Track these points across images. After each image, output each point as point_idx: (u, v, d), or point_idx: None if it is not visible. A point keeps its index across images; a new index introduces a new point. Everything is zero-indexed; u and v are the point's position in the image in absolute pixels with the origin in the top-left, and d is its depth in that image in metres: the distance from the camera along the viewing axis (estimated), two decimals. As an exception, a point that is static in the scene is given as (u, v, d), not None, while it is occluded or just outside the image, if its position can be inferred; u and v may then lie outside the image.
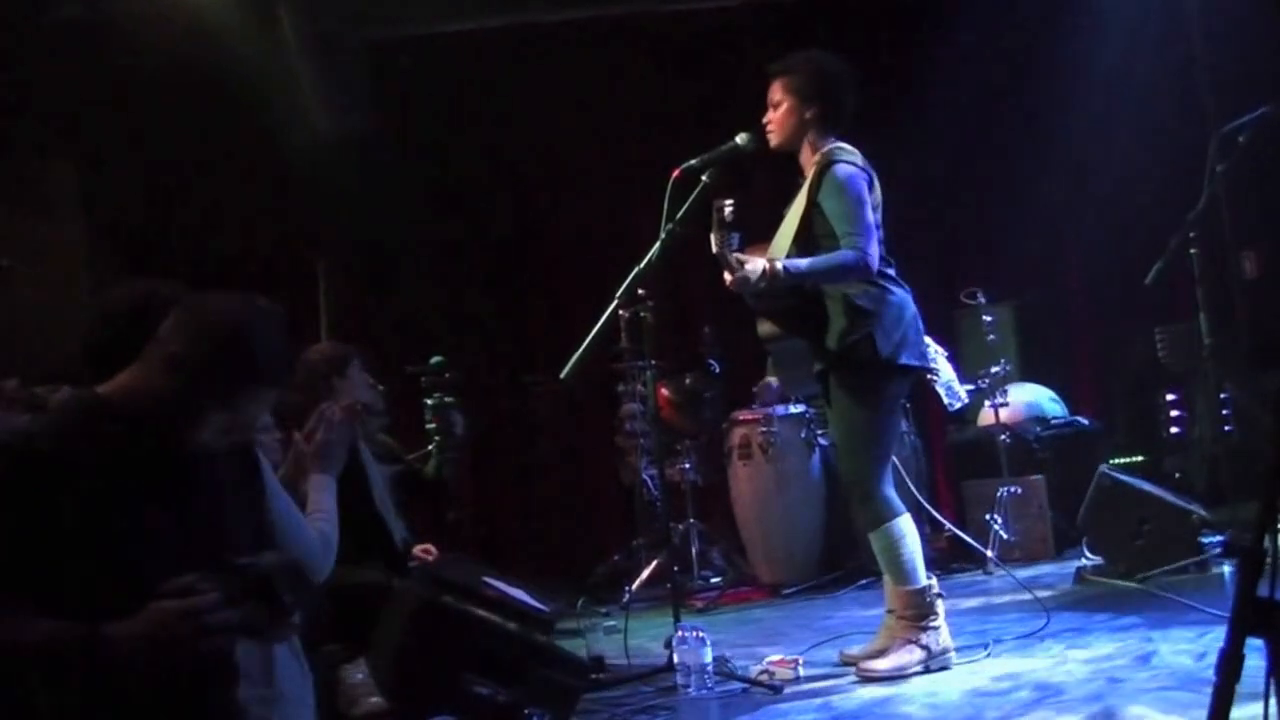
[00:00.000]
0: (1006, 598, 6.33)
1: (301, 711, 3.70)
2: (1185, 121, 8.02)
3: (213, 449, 2.87)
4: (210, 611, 2.63)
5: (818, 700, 4.53)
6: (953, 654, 4.83)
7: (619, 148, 9.55)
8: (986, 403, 7.58)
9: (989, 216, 8.87)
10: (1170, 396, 8.71)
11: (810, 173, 4.93)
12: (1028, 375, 8.40)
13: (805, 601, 7.25)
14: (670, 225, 5.02)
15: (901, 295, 4.87)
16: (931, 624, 4.80)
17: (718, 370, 7.88)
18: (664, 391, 8.12)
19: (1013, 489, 7.41)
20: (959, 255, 9.14)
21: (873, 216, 4.80)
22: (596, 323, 5.00)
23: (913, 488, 5.97)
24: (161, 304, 3.28)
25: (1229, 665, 2.10)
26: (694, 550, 7.89)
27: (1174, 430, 8.71)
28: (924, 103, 8.42)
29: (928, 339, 5.14)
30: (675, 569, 7.49)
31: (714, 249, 4.72)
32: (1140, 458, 8.40)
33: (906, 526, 4.84)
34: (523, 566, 7.75)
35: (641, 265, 5.05)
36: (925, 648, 4.76)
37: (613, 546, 8.46)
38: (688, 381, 8.01)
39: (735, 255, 4.72)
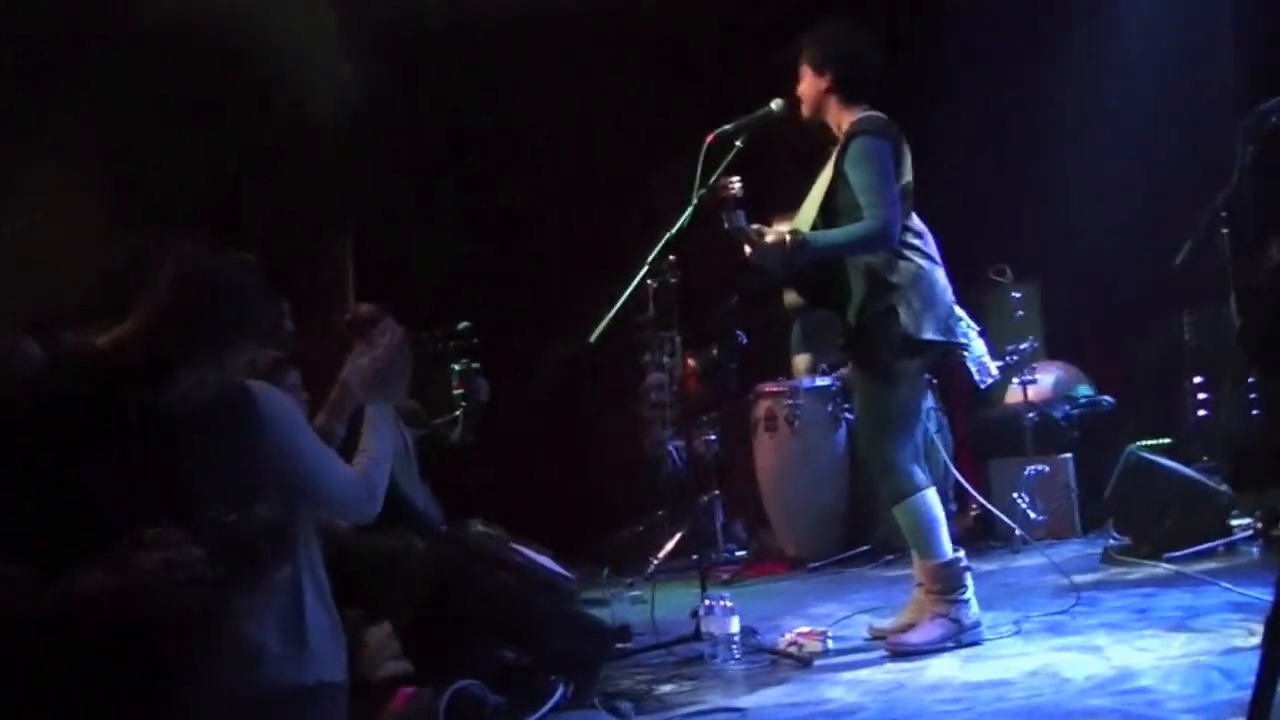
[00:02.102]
0: (1034, 577, 6.27)
1: (332, 668, 3.68)
2: (1213, 101, 7.94)
3: (200, 401, 2.85)
4: (182, 564, 2.61)
5: (847, 674, 4.48)
6: (983, 628, 4.78)
7: (641, 113, 9.48)
8: (1014, 380, 7.51)
9: (1014, 195, 8.78)
10: (1197, 380, 8.64)
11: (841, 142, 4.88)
12: (1052, 354, 8.34)
13: (830, 575, 7.21)
14: (703, 190, 4.97)
15: (929, 268, 4.80)
16: (961, 597, 4.74)
17: (744, 341, 7.81)
18: (689, 362, 8.07)
19: (1039, 468, 7.34)
20: (984, 232, 9.05)
21: (897, 188, 4.74)
22: (618, 289, 4.96)
23: (949, 463, 5.89)
24: (158, 259, 3.25)
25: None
26: (718, 523, 7.83)
27: (1200, 414, 8.64)
28: (951, 80, 8.34)
29: (960, 312, 5.06)
30: (701, 540, 7.54)
31: (726, 226, 4.68)
32: (1165, 440, 8.32)
33: (930, 500, 4.78)
34: (541, 536, 7.69)
35: (673, 231, 5.00)
36: (955, 621, 4.71)
37: (632, 518, 8.42)
38: (714, 353, 7.94)
39: (755, 227, 4.67)
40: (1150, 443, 7.96)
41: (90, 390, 2.75)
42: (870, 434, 4.83)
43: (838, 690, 4.25)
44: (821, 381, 7.64)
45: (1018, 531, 7.03)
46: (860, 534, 7.60)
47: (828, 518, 7.66)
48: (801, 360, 7.96)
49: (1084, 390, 8.04)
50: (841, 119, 4.87)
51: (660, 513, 8.10)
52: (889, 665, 4.57)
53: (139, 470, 2.74)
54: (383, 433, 3.84)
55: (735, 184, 4.67)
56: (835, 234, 4.71)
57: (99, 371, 2.77)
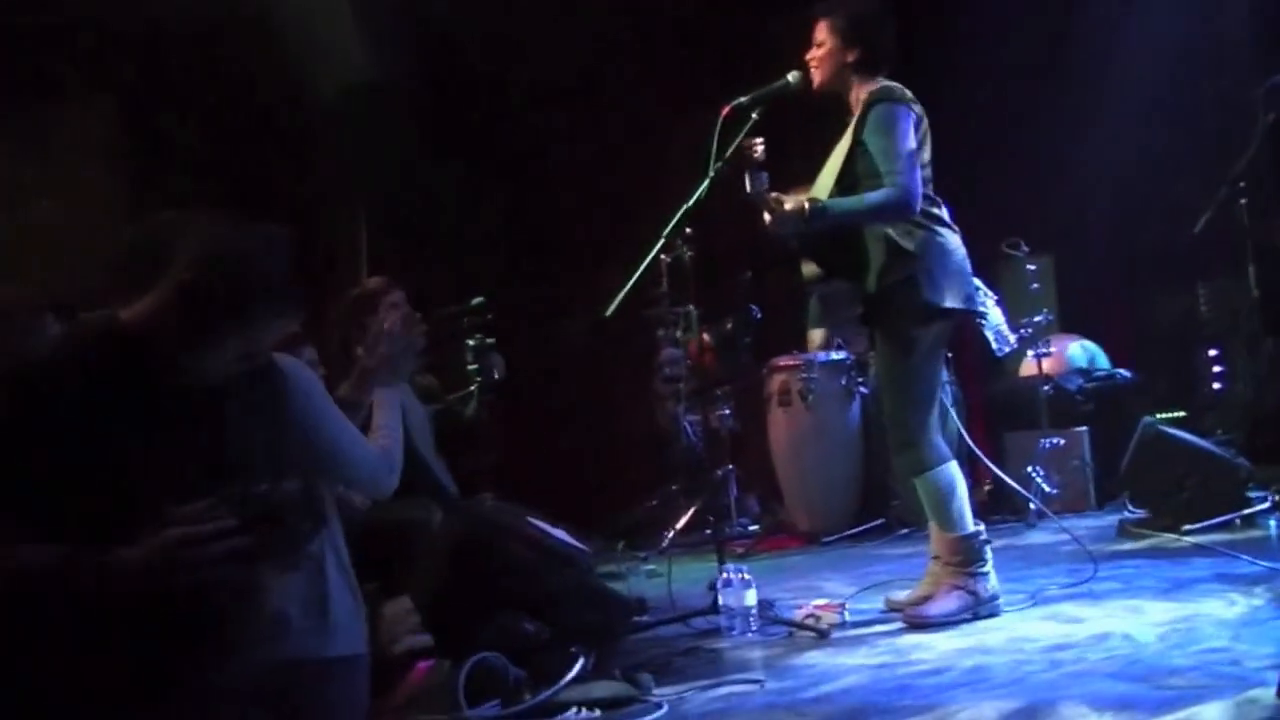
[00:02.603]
0: (1049, 549, 6.26)
1: (355, 640, 3.68)
2: (1229, 70, 7.90)
3: (227, 375, 2.85)
4: (216, 538, 2.60)
5: (864, 645, 4.48)
6: (1001, 601, 4.77)
7: (650, 91, 9.46)
8: (1029, 353, 7.48)
9: (1027, 167, 8.75)
10: (1211, 352, 8.62)
11: (857, 112, 4.85)
12: (1065, 327, 8.32)
13: (844, 549, 7.21)
14: (719, 163, 4.95)
15: (948, 237, 4.79)
16: (980, 570, 4.73)
17: (758, 316, 7.80)
18: (704, 337, 8.07)
19: (1054, 441, 7.32)
20: (997, 205, 9.01)
21: (918, 156, 4.72)
22: (628, 264, 4.95)
23: (964, 435, 5.87)
24: (182, 234, 3.23)
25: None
26: (732, 497, 7.82)
27: (1215, 386, 8.62)
28: (963, 52, 8.30)
29: (977, 282, 5.04)
30: (718, 513, 7.53)
31: (747, 190, 4.67)
32: (1180, 413, 8.30)
33: (953, 472, 4.77)
34: (555, 511, 7.69)
35: (689, 203, 4.99)
36: (974, 594, 4.70)
37: (646, 493, 8.42)
38: (728, 327, 7.94)
39: (773, 195, 4.66)
40: (1165, 415, 7.96)
41: (120, 365, 2.73)
42: (892, 405, 4.81)
43: (856, 661, 4.24)
44: (836, 355, 7.63)
45: (1033, 505, 7.02)
46: (874, 508, 7.61)
47: (841, 492, 7.66)
48: (817, 335, 7.95)
49: (1100, 363, 8.01)
50: (860, 90, 4.84)
51: (674, 487, 8.09)
52: (906, 636, 4.56)
53: (171, 444, 2.72)
54: (394, 409, 3.85)
55: (759, 146, 4.65)
56: (855, 201, 4.68)
57: (128, 345, 2.76)
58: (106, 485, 2.63)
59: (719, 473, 7.71)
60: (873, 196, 4.65)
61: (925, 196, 4.74)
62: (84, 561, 2.57)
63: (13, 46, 7.72)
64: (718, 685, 4.01)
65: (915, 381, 4.74)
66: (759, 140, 4.68)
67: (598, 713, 3.75)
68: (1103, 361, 8.09)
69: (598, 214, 9.47)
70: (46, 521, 2.59)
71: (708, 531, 7.62)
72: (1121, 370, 8.04)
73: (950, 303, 4.70)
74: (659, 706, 3.76)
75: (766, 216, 4.66)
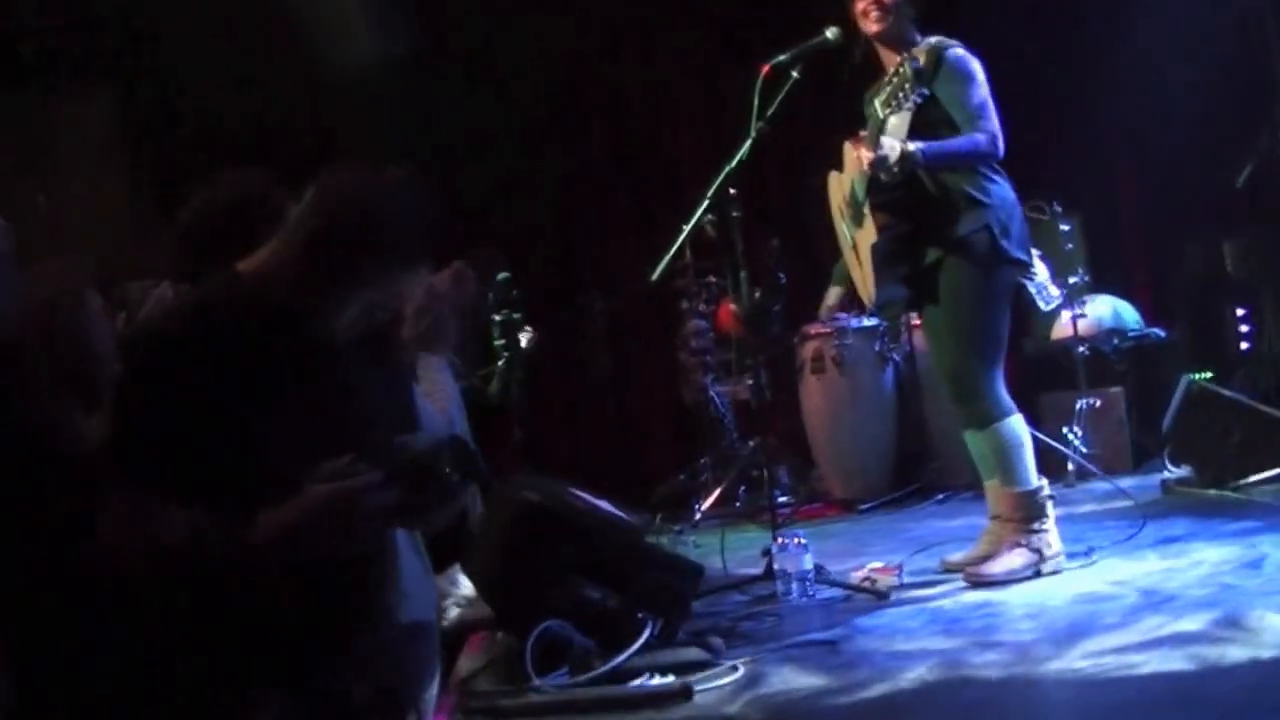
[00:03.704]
0: (1089, 507, 6.20)
1: (425, 609, 3.62)
2: (1260, 24, 7.82)
3: (354, 330, 2.75)
4: (369, 493, 2.49)
5: (930, 604, 4.41)
6: (1063, 558, 4.71)
7: (664, 66, 9.40)
8: (1065, 313, 7.40)
9: (1054, 128, 8.66)
10: (1240, 311, 8.54)
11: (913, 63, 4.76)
12: (1096, 287, 8.24)
13: (883, 516, 7.14)
14: (760, 123, 4.90)
15: (1007, 187, 4.75)
16: (1042, 527, 4.67)
17: (784, 282, 7.72)
18: (730, 306, 7.99)
19: (1091, 401, 7.25)
20: (1024, 166, 8.94)
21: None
22: (649, 236, 4.91)
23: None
24: (259, 196, 3.15)
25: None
26: (764, 467, 7.73)
27: (1244, 345, 8.54)
28: (986, 11, 8.21)
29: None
30: (758, 482, 7.48)
31: (879, 113, 4.67)
32: (1209, 373, 8.22)
33: (1019, 426, 4.71)
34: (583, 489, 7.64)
35: (731, 164, 4.95)
36: (1036, 551, 4.64)
37: (673, 467, 8.36)
38: (756, 295, 7.84)
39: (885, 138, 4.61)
40: (1196, 375, 7.88)
41: (250, 323, 2.62)
42: (958, 357, 4.73)
43: (922, 621, 4.18)
44: (868, 321, 7.55)
45: (1070, 466, 6.95)
46: (910, 474, 7.54)
47: (877, 458, 7.60)
48: (833, 292, 7.84)
49: (1132, 321, 7.93)
50: (909, 43, 4.77)
51: (704, 460, 8.02)
52: (969, 595, 4.50)
53: (304, 402, 2.63)
54: (449, 374, 3.79)
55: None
56: (947, 144, 4.63)
57: (257, 303, 2.65)
58: (242, 447, 2.53)
59: (751, 443, 7.64)
60: (965, 140, 4.63)
61: None
62: (224, 527, 2.48)
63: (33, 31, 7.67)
64: (790, 647, 3.95)
65: (984, 332, 4.68)
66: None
67: (671, 677, 3.69)
68: (1134, 320, 8.00)
69: (626, 184, 9.39)
70: (184, 488, 2.50)
71: (737, 504, 7.61)
72: (1155, 329, 7.96)
73: (1018, 252, 4.68)
74: (734, 669, 3.70)
75: (866, 154, 4.58)
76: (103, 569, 2.59)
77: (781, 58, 4.92)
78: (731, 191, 5.03)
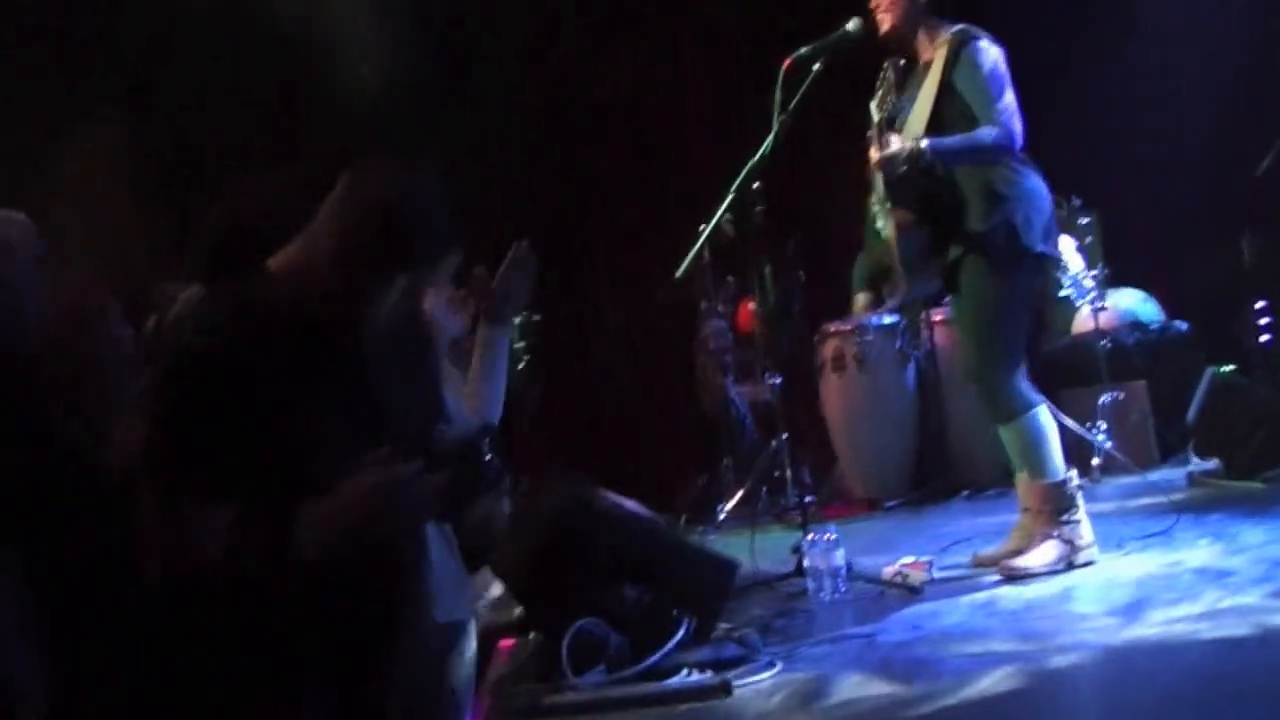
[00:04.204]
0: (1121, 502, 6.15)
1: (459, 606, 3.59)
2: (1276, 21, 7.77)
3: (385, 326, 2.73)
4: (412, 482, 2.47)
5: (964, 598, 4.38)
6: (1095, 549, 4.67)
7: (677, 64, 9.38)
8: (1085, 308, 7.36)
9: (1069, 119, 8.62)
10: (1259, 304, 8.49)
11: (938, 53, 4.73)
12: (1115, 281, 8.19)
13: (907, 514, 7.10)
14: (783, 117, 4.87)
15: (1037, 180, 4.70)
16: (1073, 518, 4.64)
17: (803, 280, 7.70)
18: (749, 306, 7.98)
19: (1114, 395, 7.20)
20: (1042, 158, 8.91)
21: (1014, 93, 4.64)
22: (665, 236, 4.89)
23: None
24: (283, 201, 3.13)
25: None
26: (786, 468, 7.70)
27: (1263, 339, 8.49)
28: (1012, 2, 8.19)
29: (1056, 227, 4.96)
30: (774, 483, 7.45)
31: (874, 116, 4.61)
32: (1230, 367, 8.17)
33: (1043, 417, 4.68)
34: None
35: (755, 159, 4.92)
36: (1068, 542, 4.60)
37: (694, 469, 8.33)
38: (775, 294, 7.81)
39: (888, 134, 4.58)
40: (1220, 370, 7.83)
41: (290, 321, 2.61)
42: (980, 351, 4.70)
43: (958, 615, 4.16)
44: (888, 319, 7.52)
45: (1095, 461, 6.90)
46: (932, 471, 7.50)
47: (899, 457, 7.56)
48: (862, 298, 7.85)
49: (1151, 315, 7.90)
50: (933, 34, 4.74)
51: (725, 462, 7.99)
52: (1004, 588, 4.46)
53: (341, 396, 2.61)
54: (499, 354, 3.77)
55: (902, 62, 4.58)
56: (960, 139, 4.59)
57: (289, 302, 2.63)
58: (282, 443, 2.51)
59: (773, 443, 7.60)
60: (978, 136, 4.58)
61: None
62: (265, 526, 2.46)
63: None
64: (827, 641, 3.92)
65: (1005, 328, 4.65)
66: (902, 60, 4.62)
67: (709, 673, 3.65)
68: (1154, 314, 7.97)
69: (641, 184, 9.37)
70: (225, 487, 2.48)
71: (759, 505, 7.56)
72: (1178, 323, 7.91)
73: (1042, 247, 4.63)
74: (772, 665, 3.66)
75: (874, 153, 4.56)
76: (142, 572, 2.58)
77: (803, 51, 4.89)
78: (755, 186, 5.00)
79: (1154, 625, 3.56)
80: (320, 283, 2.63)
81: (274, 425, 2.51)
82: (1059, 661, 3.36)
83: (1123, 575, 4.36)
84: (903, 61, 4.57)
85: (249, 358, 2.52)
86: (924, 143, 4.50)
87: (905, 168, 4.48)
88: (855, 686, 3.39)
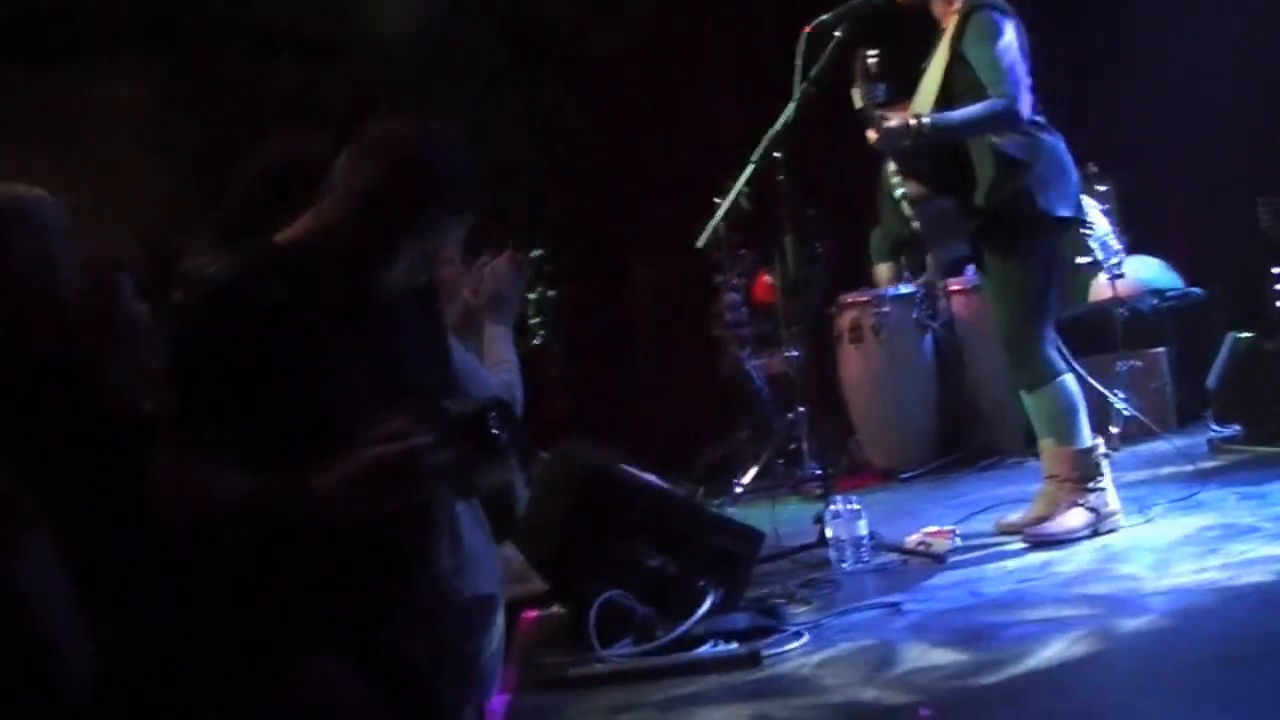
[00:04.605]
0: (1143, 470, 6.12)
1: (488, 577, 3.60)
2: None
3: (398, 289, 2.71)
4: (421, 453, 2.46)
5: (990, 565, 4.37)
6: (1120, 515, 4.65)
7: (699, 33, 9.32)
8: (1103, 275, 7.31)
9: (1087, 85, 8.57)
10: (1276, 270, 8.44)
11: (950, 22, 4.70)
12: (1134, 248, 8.15)
13: (926, 484, 7.07)
14: (804, 84, 4.84)
15: (1055, 143, 4.67)
16: (1098, 485, 4.62)
17: (821, 252, 7.66)
18: (766, 278, 7.94)
19: (1133, 363, 7.17)
20: (1060, 125, 8.86)
21: (1023, 63, 4.58)
22: (684, 206, 4.87)
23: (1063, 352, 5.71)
24: (313, 158, 3.10)
25: None
26: (804, 439, 7.68)
27: (1280, 305, 8.45)
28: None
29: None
30: (791, 455, 7.44)
31: (857, 103, 4.55)
32: (1249, 335, 8.13)
33: (1071, 385, 4.66)
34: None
35: (777, 126, 4.89)
36: (1093, 509, 4.59)
37: (709, 442, 8.30)
38: (792, 265, 7.76)
39: (879, 112, 4.54)
40: (1238, 334, 7.79)
41: (305, 284, 2.59)
42: (1007, 319, 4.68)
43: (985, 582, 4.15)
44: (905, 289, 7.48)
45: (1114, 429, 6.86)
46: (951, 442, 7.46)
47: (918, 427, 7.51)
48: (884, 269, 7.80)
49: (1169, 282, 7.85)
50: (950, 1, 4.70)
51: (742, 434, 7.97)
52: (1030, 555, 4.45)
53: (351, 364, 2.60)
54: (509, 343, 3.77)
55: (872, 57, 4.51)
56: (961, 114, 4.56)
57: (310, 264, 2.61)
58: (295, 407, 2.50)
59: (791, 415, 7.58)
60: (980, 107, 4.54)
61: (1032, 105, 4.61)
62: (280, 489, 2.45)
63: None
64: (854, 611, 3.90)
65: (1031, 295, 4.63)
66: (873, 51, 4.54)
67: (735, 644, 3.64)
68: (1172, 281, 7.93)
69: (661, 152, 9.32)
70: (240, 449, 2.47)
71: (776, 477, 7.55)
72: (1196, 289, 7.87)
73: (1064, 211, 4.60)
74: (799, 635, 3.65)
75: (872, 133, 4.54)
76: (161, 532, 2.58)
77: (824, 17, 4.85)
78: (777, 155, 4.97)
79: (1205, 583, 3.60)
80: (335, 243, 2.62)
81: (289, 384, 2.51)
82: (1125, 625, 3.34)
83: (1157, 539, 4.36)
84: (874, 53, 4.51)
85: (264, 316, 2.51)
86: (925, 118, 4.47)
87: (907, 143, 4.45)
88: (920, 655, 3.36)
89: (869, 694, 3.14)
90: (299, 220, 2.67)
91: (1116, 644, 3.22)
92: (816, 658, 3.47)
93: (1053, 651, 3.18)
